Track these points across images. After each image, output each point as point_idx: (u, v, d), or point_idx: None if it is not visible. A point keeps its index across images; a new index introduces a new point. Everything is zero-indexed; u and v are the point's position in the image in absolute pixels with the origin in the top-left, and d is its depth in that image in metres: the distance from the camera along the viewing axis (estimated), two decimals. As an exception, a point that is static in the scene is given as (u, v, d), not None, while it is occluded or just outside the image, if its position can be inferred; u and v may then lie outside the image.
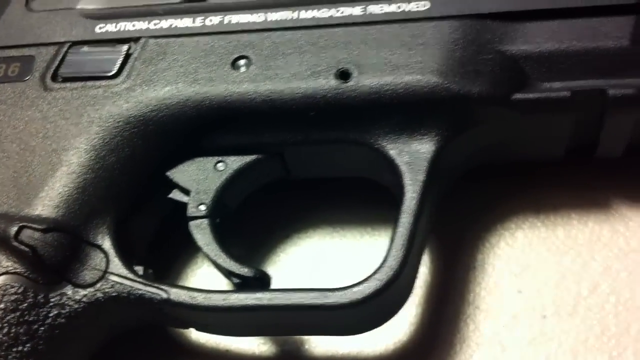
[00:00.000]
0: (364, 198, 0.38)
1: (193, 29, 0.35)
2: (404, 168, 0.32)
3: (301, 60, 0.33)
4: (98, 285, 0.32)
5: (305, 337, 0.36)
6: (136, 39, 0.35)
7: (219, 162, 0.34)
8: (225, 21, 0.35)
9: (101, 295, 0.32)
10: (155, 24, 0.35)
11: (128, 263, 0.32)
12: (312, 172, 0.36)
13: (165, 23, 0.35)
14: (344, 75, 0.33)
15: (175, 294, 0.31)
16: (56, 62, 0.35)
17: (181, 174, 0.34)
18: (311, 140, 0.33)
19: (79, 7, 0.37)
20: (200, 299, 0.31)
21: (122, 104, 0.33)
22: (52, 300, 0.31)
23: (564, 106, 0.32)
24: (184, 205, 0.34)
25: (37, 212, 0.32)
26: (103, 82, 0.34)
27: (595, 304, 0.35)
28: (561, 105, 0.32)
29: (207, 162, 0.34)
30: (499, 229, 0.37)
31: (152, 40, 0.35)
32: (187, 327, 0.34)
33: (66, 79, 0.35)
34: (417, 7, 0.34)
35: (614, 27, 0.32)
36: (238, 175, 0.34)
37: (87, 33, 0.36)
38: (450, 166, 0.34)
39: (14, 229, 0.31)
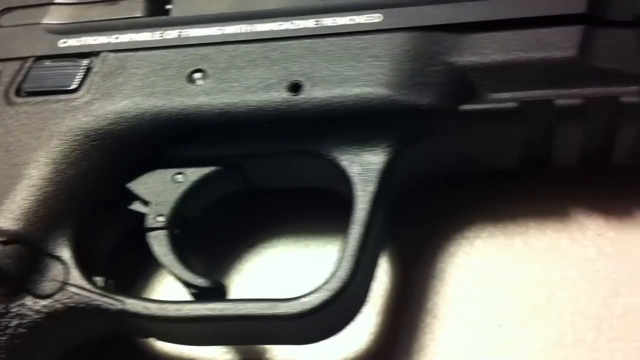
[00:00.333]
0: (328, 208, 0.38)
1: (152, 43, 0.36)
2: (354, 179, 0.32)
3: (255, 73, 0.34)
4: (57, 296, 0.32)
5: (267, 347, 0.36)
6: (97, 53, 0.36)
7: (178, 173, 0.34)
8: (183, 35, 0.35)
9: (60, 306, 0.32)
10: (115, 38, 0.36)
11: (87, 274, 0.33)
12: (272, 183, 0.36)
13: (125, 37, 0.36)
14: (295, 87, 0.33)
15: (131, 305, 0.32)
16: (20, 77, 0.36)
17: (141, 185, 0.34)
18: (267, 152, 0.34)
19: (44, 22, 0.38)
20: (154, 309, 0.31)
21: (81, 117, 0.34)
22: (12, 310, 0.32)
23: (512, 117, 0.32)
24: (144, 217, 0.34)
25: (-3, 225, 0.32)
26: (64, 97, 0.35)
27: (552, 313, 0.35)
28: (509, 115, 0.32)
29: (167, 173, 0.34)
30: (458, 238, 0.37)
31: (111, 55, 0.35)
32: (148, 337, 0.35)
33: (30, 94, 0.36)
34: (370, 20, 0.34)
35: (562, 38, 0.32)
36: (197, 187, 0.34)
37: (51, 48, 0.36)
38: (403, 176, 0.34)
39: (-26, 241, 0.32)
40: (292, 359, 0.36)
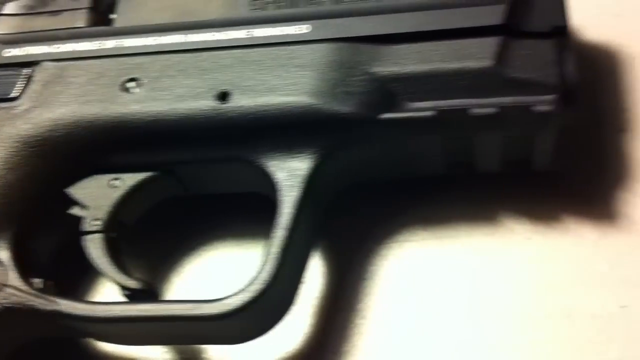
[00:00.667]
0: (269, 211, 0.39)
1: (90, 52, 0.37)
2: (280, 184, 0.33)
3: (186, 82, 0.35)
4: (-5, 297, 0.34)
5: (203, 346, 0.37)
6: (38, 63, 0.37)
7: (115, 179, 0.35)
8: (120, 44, 0.37)
9: (-2, 307, 0.33)
10: (57, 48, 0.37)
11: (25, 276, 0.34)
12: (207, 188, 0.37)
13: (66, 47, 0.37)
14: (223, 96, 0.34)
15: (64, 306, 0.33)
16: None
17: (80, 190, 0.36)
18: (198, 158, 0.35)
19: (-9, 31, 0.39)
20: (85, 310, 0.33)
21: (20, 125, 0.35)
22: (-49, 311, 0.33)
23: (430, 125, 0.33)
24: (84, 221, 0.36)
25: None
26: (4, 105, 0.36)
27: (478, 315, 0.36)
28: (427, 124, 0.33)
29: (104, 179, 0.36)
30: (390, 241, 0.38)
31: (52, 64, 0.37)
32: (86, 337, 0.36)
33: None
34: (298, 30, 0.35)
35: (479, 48, 0.33)
36: (133, 192, 0.35)
37: None
38: (331, 181, 0.35)
39: None
40: (224, 358, 0.37)
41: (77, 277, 0.39)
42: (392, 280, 0.37)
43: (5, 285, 0.34)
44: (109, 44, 0.37)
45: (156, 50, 0.36)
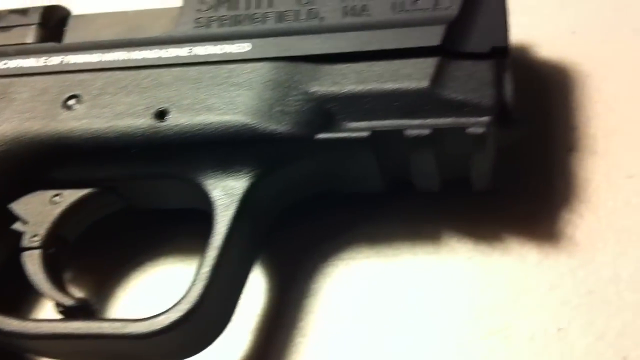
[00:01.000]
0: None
1: (35, 69, 0.37)
2: (216, 203, 0.33)
3: (126, 100, 0.35)
4: None
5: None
6: None
7: (56, 195, 0.36)
8: (65, 61, 0.37)
9: None
10: (4, 64, 0.37)
11: None
12: (150, 204, 0.37)
13: (12, 63, 0.37)
14: (161, 114, 0.34)
15: (-2, 322, 0.33)
16: None
17: (22, 206, 0.36)
18: (138, 175, 0.35)
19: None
20: (16, 326, 0.33)
21: None
22: None
23: (365, 145, 0.33)
24: (27, 236, 0.36)
25: None
26: (-48, 120, 0.36)
27: (418, 333, 0.36)
28: (362, 144, 0.33)
29: (46, 195, 0.36)
30: (334, 259, 0.38)
31: None
32: (25, 353, 0.36)
33: None
34: (239, 49, 0.35)
35: (416, 69, 0.33)
36: (73, 208, 0.35)
37: None
38: (270, 200, 0.35)
39: None
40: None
41: (24, 294, 0.39)
42: (334, 299, 0.37)
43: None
44: (55, 60, 0.37)
45: (99, 67, 0.36)
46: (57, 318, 0.34)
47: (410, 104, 0.33)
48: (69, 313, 0.34)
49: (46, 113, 0.35)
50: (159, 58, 0.36)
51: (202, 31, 0.36)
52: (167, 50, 0.36)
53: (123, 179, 0.35)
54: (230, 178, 0.34)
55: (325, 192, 0.37)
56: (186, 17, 0.37)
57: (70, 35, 0.39)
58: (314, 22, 0.36)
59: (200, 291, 0.32)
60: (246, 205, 0.34)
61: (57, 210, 0.35)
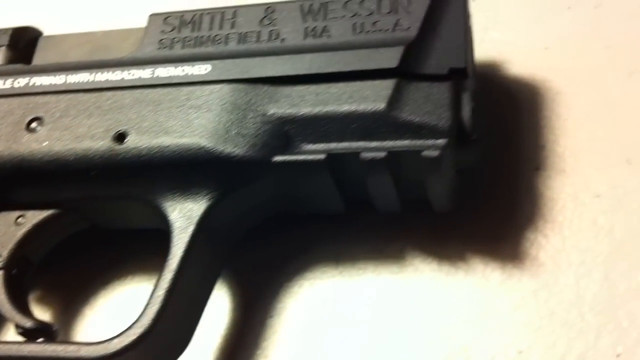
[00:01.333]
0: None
1: (2, 91, 0.37)
2: (173, 225, 0.34)
3: (87, 122, 0.35)
4: None
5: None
6: None
7: (20, 216, 0.36)
8: (31, 83, 0.37)
9: None
10: (-29, 86, 0.38)
11: None
12: (113, 224, 0.38)
13: (-21, 85, 0.38)
14: (120, 137, 0.35)
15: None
16: None
17: None
18: (99, 197, 0.35)
19: None
20: (-24, 348, 0.33)
21: None
22: None
23: (322, 168, 0.33)
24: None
25: None
26: None
27: (382, 354, 0.36)
28: (318, 167, 0.33)
29: (10, 216, 0.36)
30: (300, 278, 0.38)
31: None
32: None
33: None
34: (199, 71, 0.35)
35: (373, 91, 0.33)
36: (37, 229, 0.36)
37: None
38: (231, 221, 0.35)
39: None
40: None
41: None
42: (299, 318, 0.37)
43: None
44: (22, 82, 0.37)
45: (63, 89, 0.36)
46: (16, 340, 0.34)
47: (367, 126, 0.33)
48: (29, 335, 0.34)
49: (9, 135, 0.36)
50: (122, 80, 0.36)
51: (165, 52, 0.37)
52: (130, 72, 0.36)
53: (85, 200, 0.36)
54: (189, 200, 0.34)
55: (286, 212, 0.37)
56: (150, 38, 0.37)
57: (39, 57, 0.39)
58: (275, 44, 0.36)
59: (153, 315, 0.32)
60: (204, 227, 0.34)
61: (21, 232, 0.36)
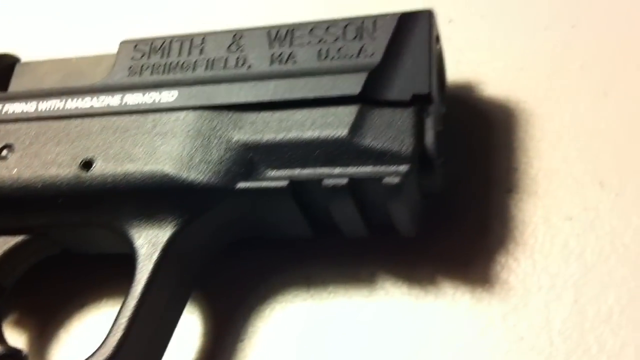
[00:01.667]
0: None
1: (-25, 119, 0.38)
2: (138, 252, 0.34)
3: (56, 149, 0.36)
4: None
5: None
6: None
7: None
8: (4, 110, 0.38)
9: None
10: (-54, 115, 0.38)
11: None
12: (84, 249, 0.38)
13: (-47, 113, 0.38)
14: (87, 164, 0.35)
15: None
16: None
17: None
18: (67, 223, 0.36)
19: None
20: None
21: None
22: None
23: (285, 194, 0.33)
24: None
25: None
26: None
27: (350, 379, 0.36)
28: (282, 193, 0.33)
29: None
30: (272, 302, 0.38)
31: None
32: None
33: None
34: (166, 98, 0.36)
35: (336, 117, 0.33)
36: (7, 255, 0.36)
37: None
38: (198, 246, 0.35)
39: None
40: None
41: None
42: (270, 342, 0.37)
43: None
44: (-5, 109, 0.38)
45: (35, 116, 0.37)
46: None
47: (329, 152, 0.33)
48: (0, 360, 0.35)
49: (-20, 162, 0.36)
50: (91, 107, 0.36)
51: (135, 79, 0.37)
52: (100, 99, 0.37)
53: (54, 226, 0.36)
54: (154, 227, 0.34)
55: (254, 237, 0.37)
56: (121, 65, 0.38)
57: (15, 83, 0.40)
58: (241, 70, 0.36)
59: (115, 343, 0.32)
60: (169, 254, 0.34)
61: (-9, 258, 0.36)
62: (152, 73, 0.37)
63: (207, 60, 0.36)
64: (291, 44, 0.36)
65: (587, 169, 0.38)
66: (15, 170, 0.35)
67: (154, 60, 0.37)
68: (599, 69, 0.41)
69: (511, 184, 0.39)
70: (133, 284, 0.33)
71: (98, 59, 0.40)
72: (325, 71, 0.34)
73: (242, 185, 0.33)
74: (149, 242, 0.34)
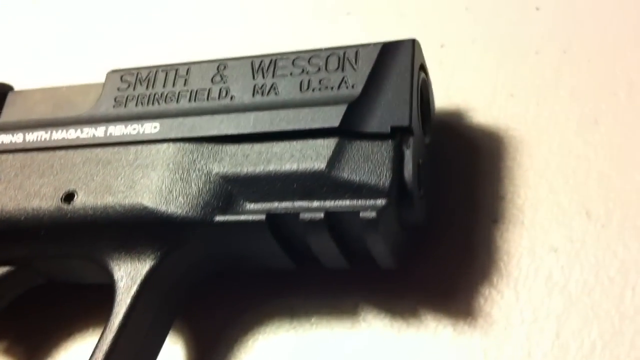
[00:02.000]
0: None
1: (-37, 150, 0.38)
2: (117, 284, 0.34)
3: (39, 181, 0.36)
4: None
5: None
6: None
7: None
8: (-11, 142, 0.38)
9: None
10: None
11: None
12: (68, 280, 0.38)
13: (-56, 143, 0.39)
14: (69, 197, 0.35)
15: None
16: None
17: None
18: (50, 254, 0.36)
19: None
20: None
21: None
22: None
23: (262, 228, 0.33)
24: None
25: None
26: None
27: (331, 411, 0.36)
28: (259, 227, 0.33)
29: None
30: (255, 333, 0.38)
31: None
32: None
33: None
34: (148, 130, 0.36)
35: (314, 150, 0.33)
36: (-8, 286, 0.37)
37: None
38: (179, 278, 0.36)
39: None
40: None
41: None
42: (252, 373, 0.37)
43: None
44: (-16, 140, 0.38)
45: (21, 147, 0.37)
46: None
47: (307, 186, 0.33)
48: (-16, 389, 0.35)
49: (-34, 194, 0.37)
50: (77, 139, 0.37)
51: (119, 110, 0.37)
52: (84, 130, 0.37)
53: (37, 257, 0.36)
54: (134, 260, 0.34)
55: (236, 268, 0.37)
56: (107, 96, 0.38)
57: (7, 113, 0.40)
58: (224, 101, 0.36)
59: (92, 377, 0.32)
60: (148, 287, 0.34)
61: (-23, 289, 0.37)
62: (136, 104, 0.37)
63: (191, 92, 0.36)
64: (274, 74, 0.36)
65: (573, 199, 0.37)
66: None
67: (139, 91, 0.37)
68: (590, 95, 0.40)
69: (497, 213, 0.38)
70: (111, 318, 0.33)
71: (87, 88, 0.40)
72: (306, 103, 0.34)
73: (220, 218, 0.33)
74: (128, 275, 0.34)
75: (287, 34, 0.47)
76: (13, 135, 0.38)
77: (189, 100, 0.36)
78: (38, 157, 0.37)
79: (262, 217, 0.33)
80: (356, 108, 0.34)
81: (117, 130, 0.36)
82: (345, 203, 0.32)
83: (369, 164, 0.33)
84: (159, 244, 0.34)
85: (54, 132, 0.37)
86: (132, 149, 0.36)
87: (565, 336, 0.34)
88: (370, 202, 0.32)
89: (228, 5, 0.51)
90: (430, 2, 0.46)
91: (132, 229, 0.34)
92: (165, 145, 0.35)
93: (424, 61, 0.37)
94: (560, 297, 0.35)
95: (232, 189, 0.34)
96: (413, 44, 0.35)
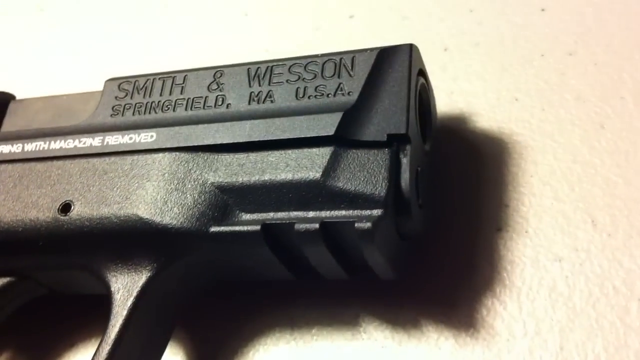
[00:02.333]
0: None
1: (-37, 160, 0.38)
2: (114, 295, 0.34)
3: (37, 192, 0.36)
4: None
5: None
6: None
7: None
8: (-9, 152, 0.38)
9: None
10: (-64, 155, 0.39)
11: None
12: (69, 291, 0.38)
13: (-56, 154, 0.39)
14: (65, 207, 0.35)
15: None
16: None
17: None
18: (48, 265, 0.36)
19: None
20: None
21: None
22: None
23: (257, 238, 0.33)
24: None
25: None
26: None
27: None
28: (254, 237, 0.33)
29: None
30: (255, 344, 0.38)
31: None
32: None
33: None
34: (145, 139, 0.36)
35: (309, 159, 0.33)
36: (-8, 298, 0.37)
37: None
38: (176, 288, 0.35)
39: None
40: None
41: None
42: (252, 384, 0.37)
43: None
44: (-16, 151, 0.38)
45: (20, 157, 0.37)
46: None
47: (303, 195, 0.32)
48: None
49: (-36, 205, 0.37)
50: (74, 148, 0.37)
51: (117, 119, 0.37)
52: (82, 140, 0.37)
53: (36, 268, 0.36)
54: (130, 271, 0.34)
55: (234, 279, 0.37)
56: (104, 105, 0.38)
57: (8, 122, 0.40)
58: (220, 110, 0.36)
59: (89, 389, 0.32)
60: (145, 298, 0.34)
61: (-23, 300, 0.37)
62: (133, 113, 0.37)
63: (187, 100, 0.36)
64: (270, 82, 0.35)
65: (578, 207, 0.37)
66: (-3, 213, 0.36)
67: (137, 100, 0.37)
68: (596, 99, 0.39)
69: (501, 221, 0.37)
70: (107, 330, 0.33)
71: (86, 97, 0.40)
72: (302, 110, 0.34)
73: (215, 229, 0.33)
74: (124, 287, 0.34)
75: (288, 39, 0.46)
76: (12, 146, 0.38)
77: (186, 108, 0.36)
78: (36, 168, 0.37)
79: (258, 227, 0.32)
80: (352, 115, 0.33)
81: (114, 140, 0.36)
82: (341, 213, 0.32)
83: (365, 173, 0.32)
84: (155, 255, 0.34)
85: (52, 141, 0.37)
86: (129, 158, 0.35)
87: (569, 349, 0.34)
88: (366, 212, 0.31)
89: (228, 11, 0.51)
90: (434, 5, 0.45)
91: (128, 240, 0.34)
92: (160, 154, 0.35)
93: (423, 66, 0.36)
94: (564, 309, 0.34)
95: (227, 199, 0.33)
96: (410, 48, 0.34)
